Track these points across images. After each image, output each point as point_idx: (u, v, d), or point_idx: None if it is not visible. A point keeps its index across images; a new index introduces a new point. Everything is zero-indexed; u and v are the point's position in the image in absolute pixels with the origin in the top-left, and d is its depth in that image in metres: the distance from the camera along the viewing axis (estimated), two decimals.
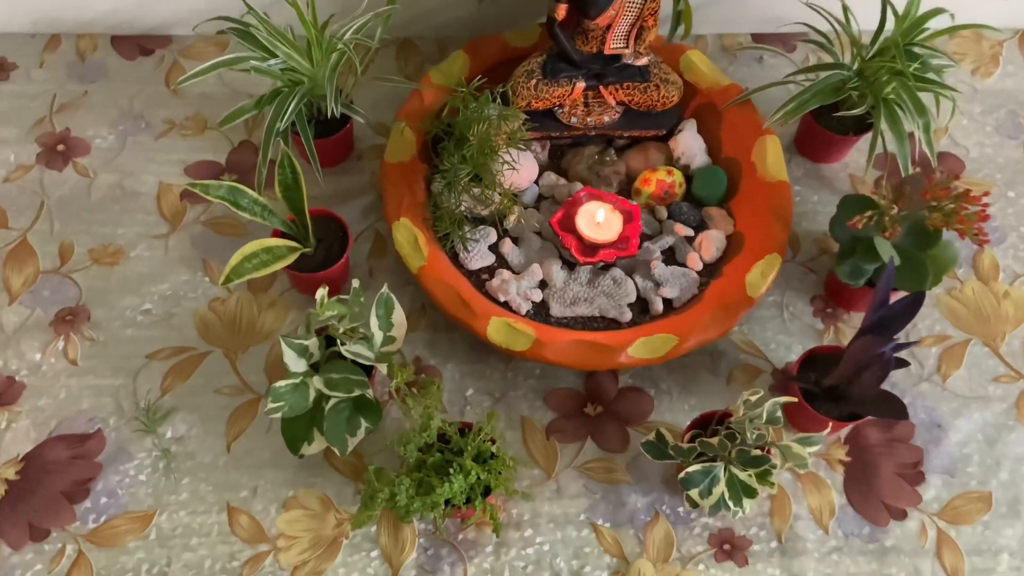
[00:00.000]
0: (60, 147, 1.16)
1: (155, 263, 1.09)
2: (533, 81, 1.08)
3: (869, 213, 0.95)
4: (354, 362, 0.89)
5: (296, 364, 0.88)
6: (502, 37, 1.19)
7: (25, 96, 1.20)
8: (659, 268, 1.05)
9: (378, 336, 0.91)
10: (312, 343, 0.89)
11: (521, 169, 1.07)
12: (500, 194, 1.06)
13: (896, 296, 0.90)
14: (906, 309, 0.87)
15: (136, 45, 1.26)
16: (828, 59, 1.14)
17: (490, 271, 1.07)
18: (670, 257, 1.09)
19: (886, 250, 0.93)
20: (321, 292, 0.86)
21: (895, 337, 0.87)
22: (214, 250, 1.10)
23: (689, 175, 1.14)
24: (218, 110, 1.19)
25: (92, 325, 1.04)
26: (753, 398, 0.83)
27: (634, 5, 1.02)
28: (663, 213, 1.12)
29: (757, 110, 1.15)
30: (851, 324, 1.09)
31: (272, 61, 1.00)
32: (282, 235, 1.00)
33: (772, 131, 1.11)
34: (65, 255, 1.08)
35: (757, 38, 1.34)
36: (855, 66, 1.10)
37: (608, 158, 1.15)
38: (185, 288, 1.07)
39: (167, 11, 1.23)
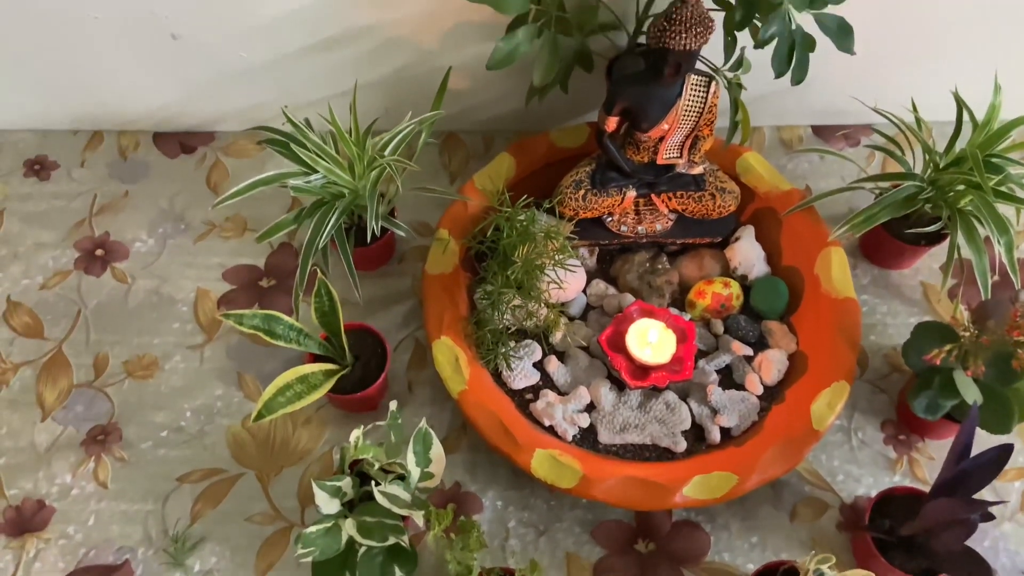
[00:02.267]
0: (99, 251, 1.16)
1: (189, 375, 1.07)
2: (581, 191, 1.04)
3: (949, 347, 0.89)
4: None
5: (328, 506, 0.84)
6: (548, 137, 1.15)
7: (65, 196, 1.20)
8: (716, 393, 1.00)
9: (415, 473, 0.87)
10: (345, 483, 0.85)
11: (568, 281, 1.03)
12: (546, 306, 1.02)
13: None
14: (991, 464, 0.80)
15: (178, 142, 1.26)
16: (894, 158, 1.08)
17: (535, 391, 1.02)
18: (727, 376, 1.03)
19: (969, 390, 0.86)
20: (356, 434, 0.82)
21: (978, 494, 0.80)
22: (249, 361, 1.08)
23: (747, 286, 1.09)
24: (259, 211, 1.18)
25: (124, 444, 1.02)
26: (825, 568, 0.76)
27: (689, 118, 0.98)
28: (719, 327, 1.06)
29: (820, 216, 1.09)
30: (926, 454, 1.02)
31: (313, 177, 0.98)
32: (317, 358, 0.97)
33: (838, 242, 1.05)
34: (100, 367, 1.07)
35: (817, 131, 1.29)
36: (927, 174, 1.04)
37: (660, 266, 1.10)
38: (219, 403, 1.05)
39: (210, 108, 1.23)
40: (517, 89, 1.17)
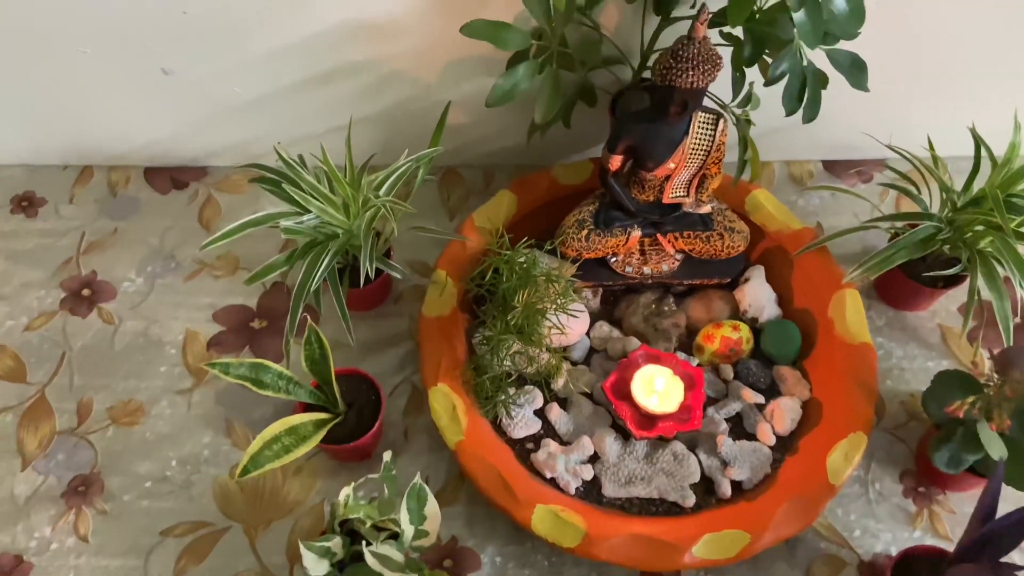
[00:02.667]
0: (85, 291, 1.12)
1: (176, 422, 1.03)
2: (584, 232, 1.00)
3: (971, 399, 0.84)
4: None
5: (317, 567, 0.80)
6: (551, 174, 1.12)
7: (53, 234, 1.17)
8: (726, 444, 0.95)
9: (409, 531, 0.83)
10: (335, 543, 0.81)
11: (571, 326, 0.99)
12: (547, 350, 0.98)
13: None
14: (1019, 525, 0.75)
15: (169, 178, 1.23)
16: (910, 196, 1.04)
17: (536, 440, 0.98)
18: (737, 425, 0.99)
19: (994, 445, 0.82)
20: (346, 492, 0.78)
21: (1006, 557, 0.75)
22: (239, 407, 1.04)
23: (757, 329, 1.05)
24: (251, 249, 1.15)
25: (106, 496, 0.97)
26: None
27: (696, 157, 0.94)
28: (729, 373, 1.02)
29: (833, 256, 1.05)
30: (947, 507, 0.97)
31: (306, 217, 0.95)
32: (308, 407, 0.93)
33: (852, 284, 1.01)
34: (83, 413, 1.03)
35: (829, 166, 1.25)
36: (945, 214, 1.00)
37: (666, 308, 1.06)
38: (206, 452, 1.01)
39: (203, 143, 1.20)
40: (518, 124, 1.14)
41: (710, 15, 0.82)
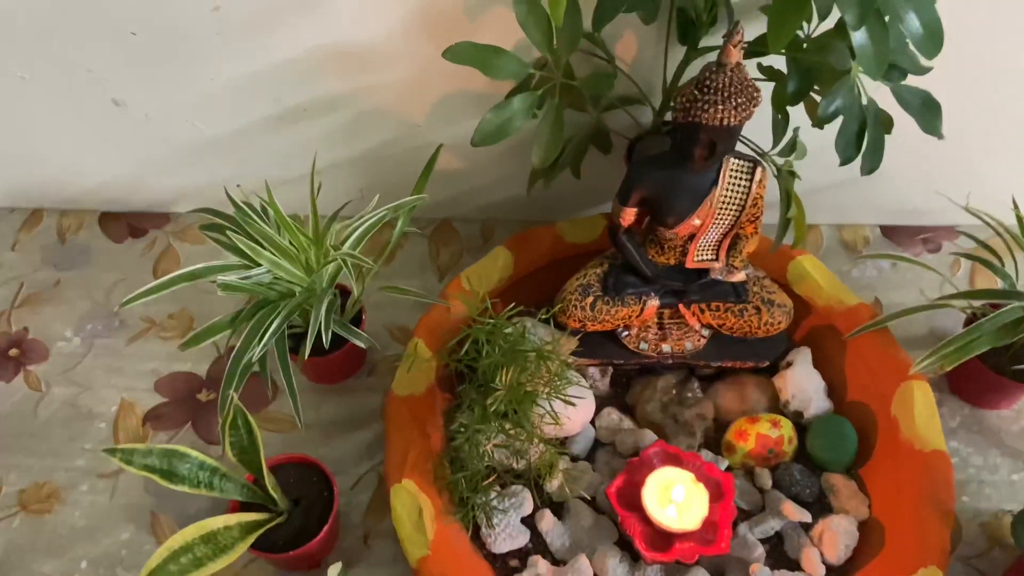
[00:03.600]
0: (13, 351, 0.98)
1: (95, 512, 0.87)
2: (590, 299, 0.84)
3: None
4: None
5: None
6: (555, 230, 0.97)
7: None
8: (762, 574, 0.76)
9: None
10: None
11: (570, 414, 0.82)
12: (540, 440, 0.81)
13: None
14: None
15: (127, 224, 1.10)
16: (991, 269, 0.87)
17: (521, 556, 0.80)
18: (776, 549, 0.80)
19: None
20: None
21: None
22: (170, 498, 0.88)
23: (802, 425, 0.87)
24: (209, 307, 1.01)
25: None
26: None
27: (727, 212, 0.78)
28: (766, 479, 0.84)
29: (895, 340, 0.87)
30: None
31: (255, 271, 0.80)
32: (244, 504, 0.77)
33: (922, 376, 0.83)
34: None
35: (887, 232, 1.08)
36: None
37: (689, 395, 0.89)
38: (124, 551, 0.84)
39: (163, 187, 1.08)
40: (523, 172, 0.99)
41: (744, 40, 0.67)
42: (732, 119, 0.69)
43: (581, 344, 0.86)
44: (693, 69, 0.82)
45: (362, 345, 0.83)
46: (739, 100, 0.68)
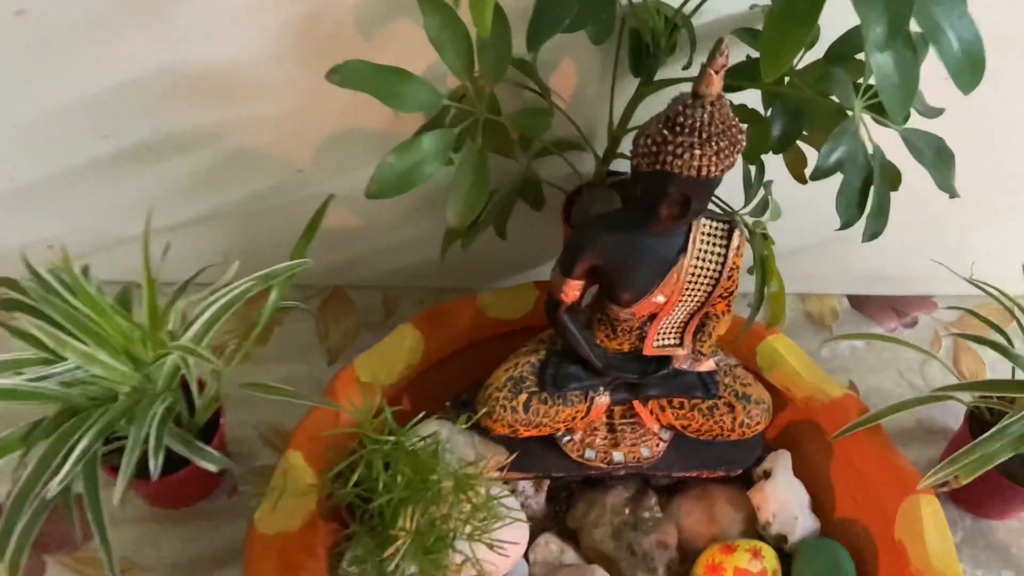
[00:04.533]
0: None
1: None
2: (523, 397, 0.66)
3: None
4: None
5: None
6: (475, 303, 0.79)
7: None
8: None
9: None
10: None
11: (495, 563, 0.63)
12: None
13: None
14: None
15: None
16: (1002, 352, 0.74)
17: None
18: None
19: None
20: None
21: None
22: None
23: (786, 551, 0.70)
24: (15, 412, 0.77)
25: None
26: None
27: (697, 287, 0.62)
28: None
29: (890, 439, 0.73)
30: None
31: (57, 368, 0.59)
32: None
33: (930, 490, 0.68)
34: None
35: (858, 303, 0.95)
36: None
37: (647, 514, 0.71)
38: None
39: None
40: (435, 229, 0.81)
41: (725, 63, 0.52)
42: (712, 169, 0.53)
43: (512, 454, 0.68)
44: (647, 106, 0.67)
45: (210, 468, 0.62)
46: (721, 144, 0.52)
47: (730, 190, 0.66)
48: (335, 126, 0.74)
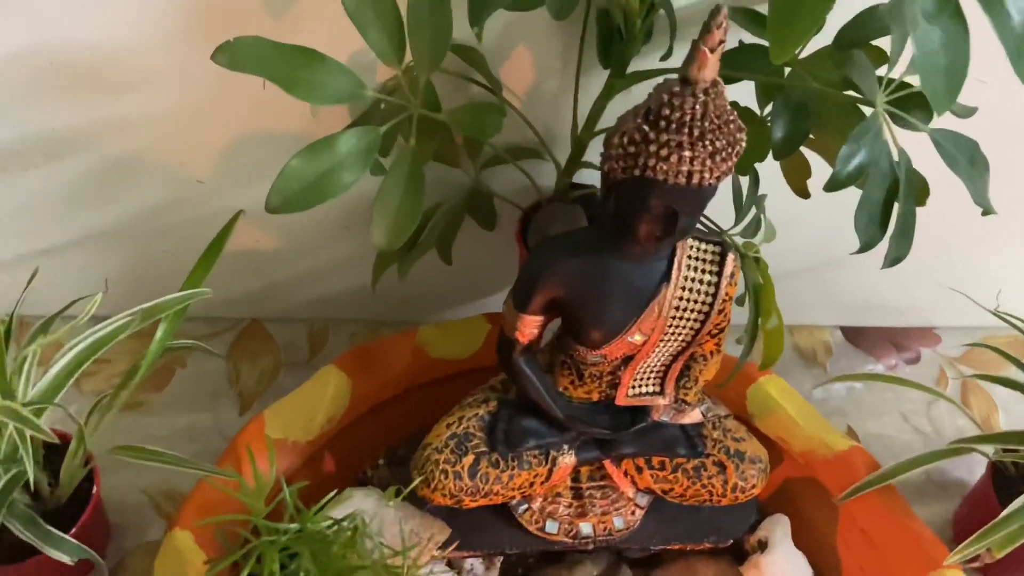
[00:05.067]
0: None
1: None
2: (469, 459, 0.53)
3: None
4: None
5: None
6: (414, 340, 0.67)
7: None
8: None
9: None
10: None
11: None
12: None
13: None
14: None
15: None
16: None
17: None
18: None
19: None
20: None
21: None
22: None
23: None
24: None
25: None
26: None
27: (683, 324, 0.51)
28: None
29: (905, 501, 0.62)
30: None
31: None
32: None
33: (958, 566, 0.57)
34: None
35: (852, 335, 0.85)
36: None
37: None
38: None
39: None
40: (368, 251, 0.68)
41: (723, 39, 0.40)
42: (706, 175, 0.42)
43: (455, 530, 0.55)
44: (617, 107, 0.55)
45: (62, 559, 0.48)
46: (717, 143, 0.41)
47: (714, 204, 0.55)
48: (242, 127, 0.62)
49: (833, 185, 0.45)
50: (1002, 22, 0.38)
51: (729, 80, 0.50)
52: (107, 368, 0.73)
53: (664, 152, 0.41)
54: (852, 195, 0.47)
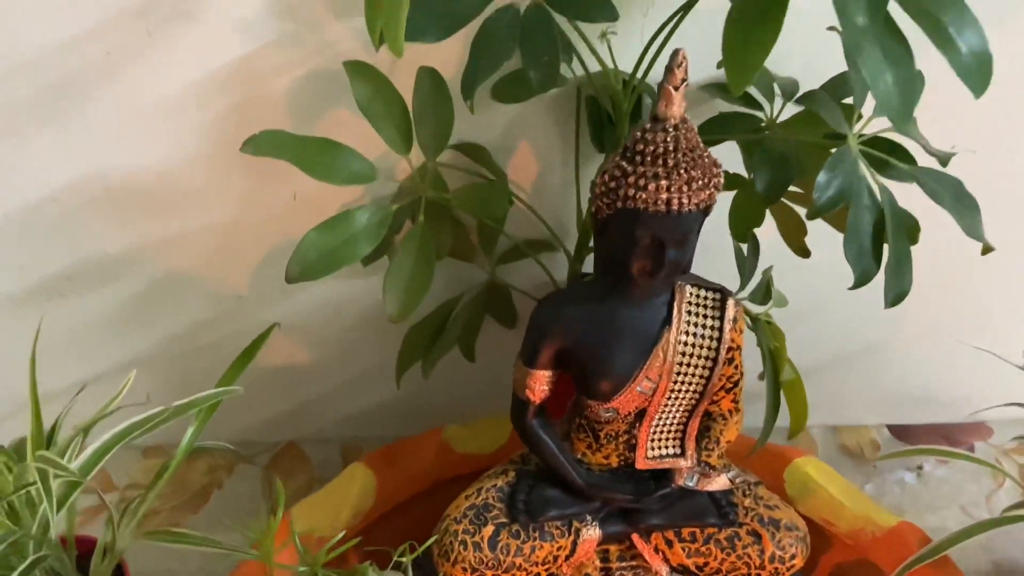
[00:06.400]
0: None
1: None
2: (489, 530, 0.53)
3: None
4: None
5: None
6: (440, 436, 0.68)
7: None
8: None
9: None
10: None
11: None
12: None
13: None
14: None
15: None
16: None
17: None
18: None
19: None
20: None
21: None
22: None
23: None
24: None
25: None
26: None
27: (691, 371, 0.51)
28: None
29: (963, 574, 0.58)
30: None
31: None
32: None
33: None
34: None
35: (901, 433, 0.83)
36: None
37: None
38: None
39: None
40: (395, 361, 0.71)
41: (685, 77, 0.45)
42: (684, 201, 0.45)
43: None
44: None
45: None
46: (692, 172, 0.45)
47: (724, 274, 0.57)
48: (276, 240, 0.68)
49: (814, 212, 0.47)
50: (953, 57, 0.42)
51: (713, 143, 0.55)
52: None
53: (642, 182, 0.44)
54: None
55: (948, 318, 0.75)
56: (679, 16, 0.50)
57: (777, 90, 0.56)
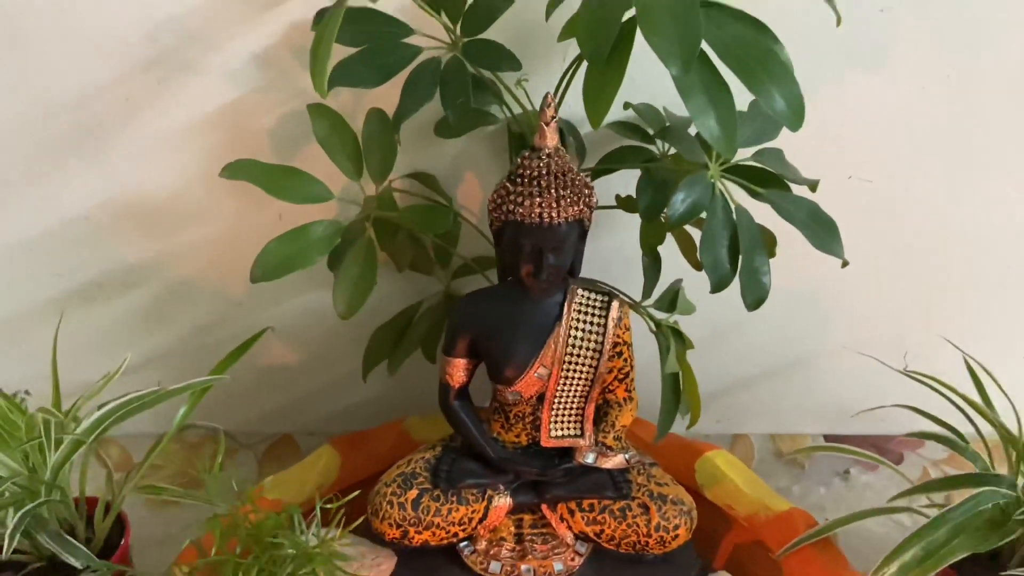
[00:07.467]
0: None
1: None
2: (413, 493, 0.63)
3: None
4: None
5: None
6: (400, 426, 0.79)
7: None
8: None
9: None
10: None
11: None
12: None
13: None
14: None
15: None
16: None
17: None
18: None
19: None
20: None
21: None
22: None
23: None
24: None
25: None
26: None
27: (580, 360, 0.61)
28: None
29: (845, 557, 0.65)
30: None
31: None
32: None
33: None
34: None
35: (834, 440, 0.90)
36: (1021, 482, 0.62)
37: None
38: None
39: None
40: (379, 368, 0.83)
41: (554, 109, 0.56)
42: (555, 215, 0.55)
43: (403, 564, 0.64)
44: None
45: (73, 563, 0.60)
46: (562, 191, 0.55)
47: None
48: None
49: (672, 223, 0.57)
50: (767, 101, 0.51)
51: (611, 171, 0.66)
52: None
53: (520, 199, 0.55)
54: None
55: (868, 332, 0.82)
56: (575, 65, 0.61)
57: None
